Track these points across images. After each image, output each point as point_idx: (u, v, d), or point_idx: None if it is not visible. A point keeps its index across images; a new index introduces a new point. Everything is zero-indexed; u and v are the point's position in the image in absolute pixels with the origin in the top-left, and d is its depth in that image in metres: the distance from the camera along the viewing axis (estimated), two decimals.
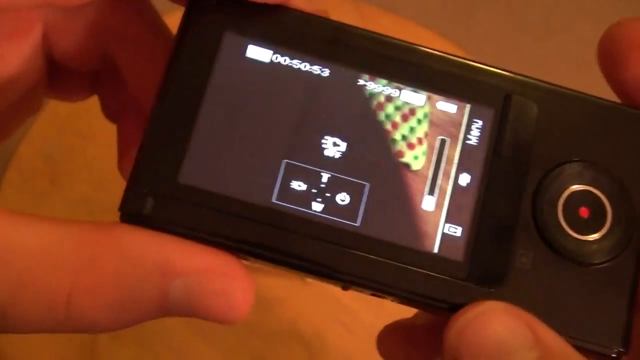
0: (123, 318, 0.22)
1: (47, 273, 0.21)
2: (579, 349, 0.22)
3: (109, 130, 0.33)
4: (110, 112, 0.33)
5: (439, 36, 0.59)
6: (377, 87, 0.24)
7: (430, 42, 0.25)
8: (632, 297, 0.23)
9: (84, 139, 0.56)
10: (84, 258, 0.22)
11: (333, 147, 0.24)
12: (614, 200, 0.24)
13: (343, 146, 0.24)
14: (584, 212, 0.24)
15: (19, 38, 0.26)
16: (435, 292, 0.23)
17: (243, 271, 0.23)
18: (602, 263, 0.24)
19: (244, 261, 0.24)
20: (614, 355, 0.23)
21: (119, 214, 0.23)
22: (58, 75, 0.30)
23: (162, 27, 0.29)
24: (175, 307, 0.22)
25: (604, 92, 0.26)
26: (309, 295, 0.53)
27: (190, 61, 0.24)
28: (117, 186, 0.25)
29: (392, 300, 0.24)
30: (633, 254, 0.24)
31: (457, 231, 0.24)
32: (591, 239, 0.24)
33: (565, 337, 0.22)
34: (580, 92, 0.25)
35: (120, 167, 0.32)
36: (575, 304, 0.23)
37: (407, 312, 0.28)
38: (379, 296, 0.24)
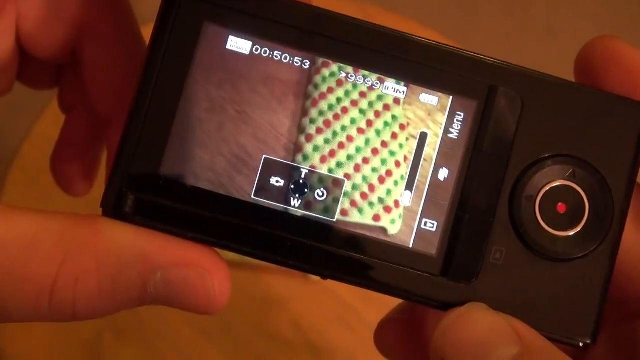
0: (103, 307, 0.22)
1: (33, 264, 0.22)
2: (551, 340, 0.23)
3: None
4: (64, 103, 0.33)
5: (441, 36, 0.59)
6: (358, 78, 0.24)
7: None
8: (604, 291, 0.23)
9: None
10: (68, 249, 0.22)
11: (312, 141, 0.24)
12: (593, 196, 0.24)
13: (323, 140, 0.24)
14: (561, 207, 0.24)
15: None
16: (409, 286, 0.24)
17: (221, 264, 0.23)
18: (576, 258, 0.24)
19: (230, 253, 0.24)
20: (581, 345, 0.24)
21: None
22: (25, 62, 0.30)
23: (134, 32, 0.29)
24: (155, 297, 0.23)
25: None
26: (312, 294, 0.53)
27: (169, 53, 0.23)
28: None
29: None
30: (608, 248, 0.23)
31: (433, 226, 0.24)
32: (567, 235, 0.24)
33: (538, 330, 0.23)
34: (571, 82, 0.24)
35: (53, 163, 0.32)
36: (548, 298, 0.23)
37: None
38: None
